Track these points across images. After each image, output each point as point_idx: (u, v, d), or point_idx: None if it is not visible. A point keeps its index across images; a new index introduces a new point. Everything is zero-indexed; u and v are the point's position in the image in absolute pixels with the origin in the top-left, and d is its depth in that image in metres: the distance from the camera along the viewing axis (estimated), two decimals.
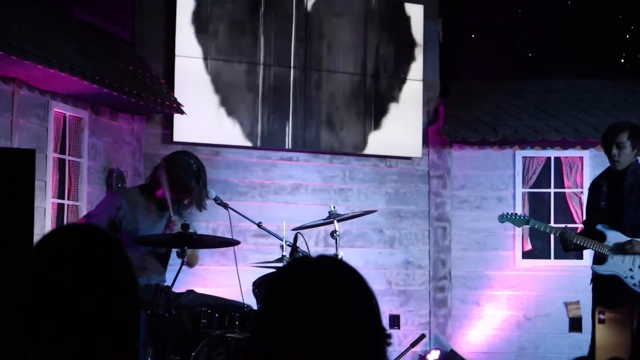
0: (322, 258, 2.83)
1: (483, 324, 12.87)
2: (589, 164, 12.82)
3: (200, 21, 11.44)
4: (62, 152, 9.99)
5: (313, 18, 12.14)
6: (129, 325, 2.66)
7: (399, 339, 11.89)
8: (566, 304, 12.20)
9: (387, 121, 12.53)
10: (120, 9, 11.14)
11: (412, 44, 12.75)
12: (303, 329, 2.64)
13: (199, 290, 8.14)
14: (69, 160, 10.07)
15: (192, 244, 7.48)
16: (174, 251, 7.87)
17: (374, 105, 12.48)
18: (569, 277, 12.47)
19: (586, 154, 12.87)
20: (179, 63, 11.33)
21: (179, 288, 7.84)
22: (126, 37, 11.23)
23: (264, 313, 2.78)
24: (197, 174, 7.83)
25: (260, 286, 7.69)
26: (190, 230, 7.43)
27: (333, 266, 2.79)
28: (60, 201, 9.94)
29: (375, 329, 2.73)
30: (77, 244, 2.66)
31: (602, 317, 8.55)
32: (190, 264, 8.00)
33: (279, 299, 2.73)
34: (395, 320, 12.45)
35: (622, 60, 13.61)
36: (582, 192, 12.76)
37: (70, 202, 10.08)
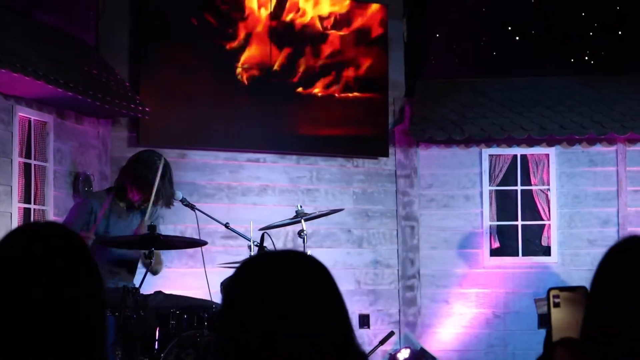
0: (284, 251, 2.83)
1: (452, 322, 12.94)
2: (555, 161, 12.93)
3: (165, 23, 11.42)
4: (28, 156, 9.94)
5: (282, 21, 12.15)
6: (96, 326, 2.63)
7: (369, 338, 11.92)
8: (535, 301, 12.26)
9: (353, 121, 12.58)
10: (83, 11, 11.10)
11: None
12: (268, 322, 2.63)
13: (168, 291, 8.14)
14: (34, 165, 10.03)
15: (159, 245, 7.49)
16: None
17: (339, 105, 12.51)
18: (537, 273, 12.59)
19: (552, 151, 12.95)
20: (144, 66, 11.31)
21: (148, 290, 7.85)
22: (90, 39, 11.19)
23: (227, 307, 2.76)
24: (162, 170, 7.83)
25: (226, 287, 7.70)
26: (157, 232, 7.45)
27: (298, 259, 2.79)
28: (27, 206, 9.90)
29: (343, 320, 2.73)
30: (41, 242, 2.64)
31: (557, 300, 8.58)
32: (154, 271, 7.99)
33: (242, 291, 2.72)
34: (364, 320, 12.48)
35: (586, 58, 13.70)
36: (548, 189, 12.87)
37: (37, 207, 10.04)
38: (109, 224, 7.90)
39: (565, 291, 9.43)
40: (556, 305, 9.61)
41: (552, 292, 9.70)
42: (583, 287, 8.95)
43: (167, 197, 7.94)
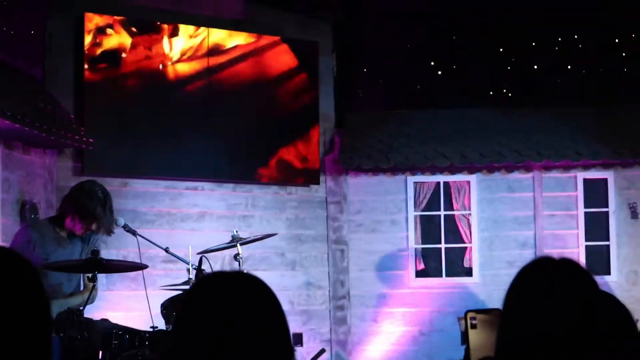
0: (235, 272, 2.87)
1: (381, 339, 12.98)
2: (476, 187, 13.04)
3: (108, 58, 11.40)
4: None
5: (217, 57, 12.18)
6: (42, 347, 2.63)
7: (302, 357, 11.91)
8: (458, 319, 12.35)
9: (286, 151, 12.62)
10: (30, 47, 11.07)
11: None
12: (218, 335, 2.66)
13: (111, 314, 8.12)
14: None
15: (101, 269, 7.48)
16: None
17: (273, 137, 12.55)
18: (459, 293, 12.69)
19: (473, 178, 13.07)
20: (88, 99, 11.28)
21: (92, 313, 7.83)
22: (37, 74, 11.15)
23: (181, 321, 2.79)
24: (102, 200, 7.84)
25: (167, 307, 7.73)
26: (100, 256, 7.44)
27: (244, 280, 2.83)
28: None
29: (285, 337, 2.77)
30: None
31: (473, 322, 8.76)
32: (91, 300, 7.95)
33: (192, 312, 2.75)
34: (298, 339, 12.47)
35: (504, 90, 13.87)
36: (469, 214, 12.97)
37: None
38: (49, 252, 7.86)
39: (481, 313, 9.59)
40: (473, 326, 9.79)
41: (469, 314, 9.88)
42: (497, 309, 9.13)
43: (107, 226, 7.94)
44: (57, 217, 8.18)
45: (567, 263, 3.05)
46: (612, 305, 3.38)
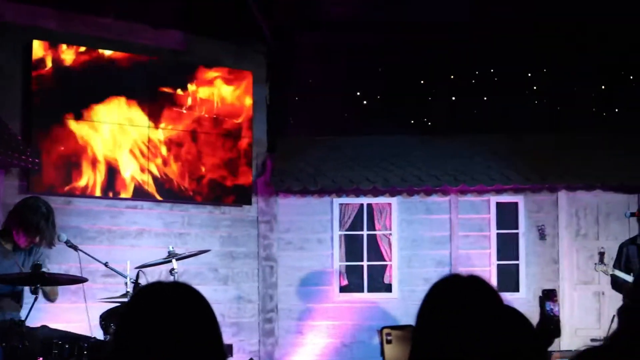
0: (173, 282, 2.93)
1: (306, 350, 13.02)
2: (397, 209, 13.13)
3: (56, 81, 11.36)
4: None
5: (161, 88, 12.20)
6: None
7: None
8: (378, 332, 12.45)
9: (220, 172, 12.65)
10: None
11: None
12: (154, 345, 2.70)
13: (53, 325, 8.10)
14: None
15: (44, 282, 7.48)
16: (27, 289, 7.84)
17: (208, 158, 12.57)
18: (380, 308, 12.76)
19: (394, 201, 13.16)
20: (35, 121, 11.23)
21: (34, 323, 7.80)
22: None
23: (119, 330, 2.83)
24: (45, 214, 7.86)
25: (106, 318, 7.75)
26: (43, 269, 7.45)
27: (183, 288, 2.89)
28: None
29: (219, 342, 2.83)
30: None
31: (389, 337, 8.87)
32: (50, 299, 7.99)
33: (132, 317, 2.80)
34: (228, 350, 12.46)
35: (425, 119, 13.99)
36: (390, 234, 13.04)
37: None
38: None
39: (396, 329, 9.77)
40: (388, 341, 9.97)
41: (385, 331, 10.06)
42: (411, 326, 9.24)
43: (50, 239, 7.95)
44: (1, 231, 8.16)
45: (474, 280, 3.13)
46: (516, 318, 3.43)
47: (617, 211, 12.74)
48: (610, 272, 10.19)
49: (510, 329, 3.09)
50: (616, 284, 10.28)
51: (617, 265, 10.26)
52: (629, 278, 9.89)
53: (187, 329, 2.72)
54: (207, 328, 2.78)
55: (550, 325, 10.61)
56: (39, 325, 7.91)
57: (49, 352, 7.39)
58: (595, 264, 10.50)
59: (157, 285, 2.90)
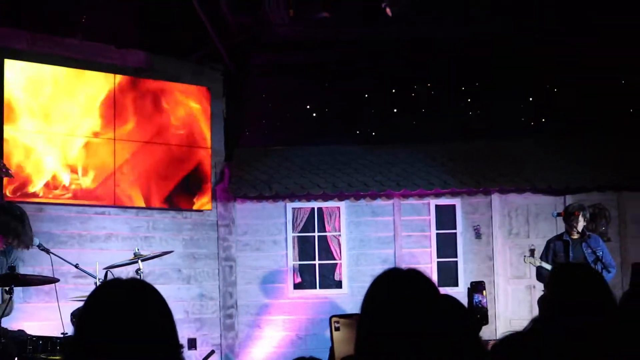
0: (129, 279, 2.87)
1: (264, 343, 12.97)
2: (345, 212, 13.13)
3: (29, 94, 11.22)
4: None
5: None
6: None
7: (196, 358, 11.85)
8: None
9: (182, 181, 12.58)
10: None
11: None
12: (106, 342, 2.63)
13: (27, 324, 7.97)
14: None
15: (17, 282, 7.34)
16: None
17: (172, 167, 12.49)
18: (331, 303, 12.74)
19: (342, 204, 13.16)
20: (8, 133, 11.08)
21: (11, 323, 7.67)
22: None
23: (79, 325, 2.77)
24: (20, 217, 7.73)
25: (77, 316, 7.60)
26: (17, 272, 7.31)
27: (138, 282, 2.84)
28: None
29: (172, 338, 2.76)
30: None
31: (337, 325, 8.78)
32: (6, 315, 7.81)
33: (91, 310, 2.74)
34: (192, 343, 12.40)
35: (369, 130, 14.00)
36: (340, 235, 13.03)
37: None
38: None
39: (344, 318, 9.61)
40: (337, 329, 9.80)
41: (334, 319, 9.87)
42: (358, 314, 9.09)
43: (26, 240, 7.81)
44: None
45: (412, 272, 3.11)
46: (452, 304, 3.44)
47: (545, 212, 12.83)
48: (537, 264, 10.31)
49: (447, 313, 3.12)
50: (540, 275, 10.41)
51: (544, 258, 10.41)
52: None
53: (142, 318, 2.71)
54: (161, 318, 2.76)
55: (478, 314, 10.65)
56: (17, 327, 7.77)
57: (24, 349, 7.27)
58: (525, 256, 10.63)
59: (114, 281, 2.89)
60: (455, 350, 3.06)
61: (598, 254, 10.19)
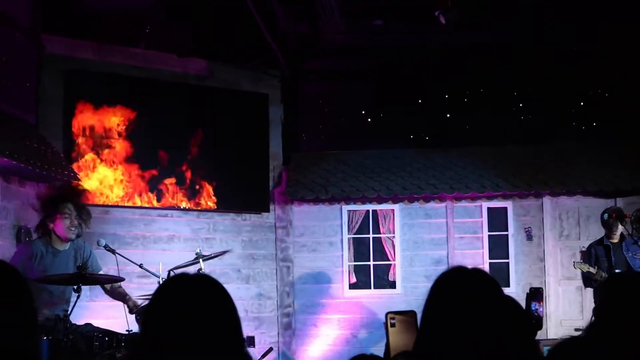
0: (195, 274, 2.90)
1: (320, 341, 12.99)
2: (399, 214, 13.10)
3: (93, 106, 11.38)
4: None
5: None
6: (29, 347, 2.59)
7: (255, 356, 11.83)
8: (384, 324, 12.37)
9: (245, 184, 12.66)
10: (25, 97, 10.99)
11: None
12: (173, 336, 2.66)
13: (94, 321, 8.08)
14: None
15: (85, 281, 7.44)
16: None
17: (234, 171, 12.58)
18: (385, 302, 12.68)
19: (397, 207, 13.13)
20: (77, 141, 11.25)
21: (77, 320, 7.78)
22: (31, 120, 11.08)
23: (146, 319, 2.80)
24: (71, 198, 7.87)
25: (142, 314, 7.70)
26: (89, 271, 7.44)
27: (204, 278, 2.86)
28: None
29: (237, 333, 2.79)
30: None
31: (393, 321, 8.81)
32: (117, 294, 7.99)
33: (158, 304, 2.78)
34: (251, 341, 12.44)
35: (422, 134, 13.95)
36: (394, 236, 13.00)
37: None
38: (47, 264, 7.82)
39: (400, 314, 9.67)
40: (392, 325, 9.85)
41: (389, 315, 9.96)
42: (413, 311, 9.22)
43: (86, 217, 7.93)
44: (44, 235, 8.09)
45: (477, 272, 3.10)
46: (516, 307, 3.40)
47: (596, 214, 12.63)
48: (586, 270, 10.14)
49: (511, 315, 3.10)
50: (588, 280, 10.30)
51: (587, 264, 10.28)
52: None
53: (207, 312, 2.71)
54: (226, 312, 2.77)
55: (533, 320, 10.59)
56: (83, 322, 7.89)
57: (91, 345, 7.37)
58: (574, 262, 10.49)
59: (181, 276, 2.89)
60: (515, 351, 3.03)
61: (637, 257, 10.11)
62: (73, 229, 7.92)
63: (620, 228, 10.31)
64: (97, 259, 8.28)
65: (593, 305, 10.39)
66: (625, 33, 12.61)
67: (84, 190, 8.10)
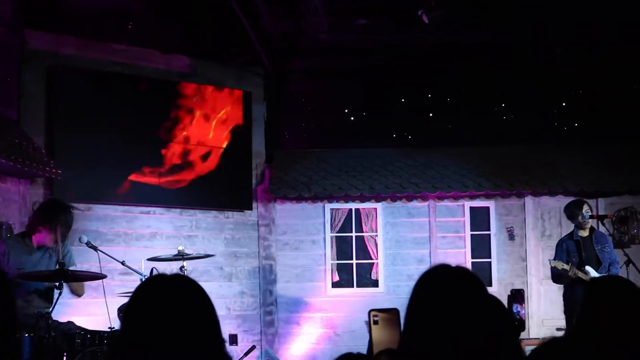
0: (172, 275, 2.84)
1: (303, 339, 12.96)
2: (382, 213, 13.09)
3: (73, 101, 11.25)
4: None
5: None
6: (9, 345, 2.58)
7: (237, 354, 11.79)
8: (366, 322, 12.33)
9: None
10: (6, 92, 10.87)
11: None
12: (151, 336, 2.61)
13: (76, 318, 7.97)
14: None
15: (67, 278, 7.32)
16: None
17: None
18: (367, 301, 12.65)
19: (379, 206, 13.11)
20: (57, 137, 11.13)
21: (60, 317, 7.67)
22: (13, 115, 10.96)
23: (125, 318, 2.76)
24: (67, 209, 7.75)
25: (123, 311, 7.57)
26: (68, 267, 7.32)
27: (180, 278, 2.83)
28: None
29: (216, 334, 2.74)
30: None
31: (376, 319, 8.76)
32: (78, 294, 7.84)
33: (137, 304, 2.72)
34: (233, 339, 12.39)
35: (405, 133, 13.90)
36: (376, 235, 12.99)
37: None
38: (22, 261, 7.67)
39: (382, 312, 9.56)
40: (375, 322, 9.77)
41: (372, 313, 9.85)
42: (395, 309, 9.13)
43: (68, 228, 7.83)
44: (27, 232, 7.96)
45: (461, 270, 3.04)
46: (499, 306, 3.36)
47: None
48: (561, 267, 9.93)
49: (495, 314, 3.01)
50: (560, 277, 10.08)
51: (558, 259, 10.12)
52: (593, 273, 9.80)
53: (186, 312, 2.68)
54: (204, 312, 2.74)
55: (516, 322, 10.56)
56: (65, 320, 7.77)
57: (72, 342, 7.27)
58: (549, 259, 10.28)
59: (159, 277, 2.88)
60: (499, 350, 2.97)
61: (606, 250, 10.06)
62: (53, 244, 7.78)
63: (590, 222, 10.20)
64: (74, 256, 8.12)
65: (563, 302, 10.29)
66: (608, 35, 12.59)
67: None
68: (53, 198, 8.06)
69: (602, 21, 12.15)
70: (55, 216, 7.67)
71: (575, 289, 9.76)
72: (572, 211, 10.24)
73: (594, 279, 8.52)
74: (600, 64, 13.21)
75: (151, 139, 11.90)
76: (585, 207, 10.13)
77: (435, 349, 2.84)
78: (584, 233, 10.15)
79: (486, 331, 2.88)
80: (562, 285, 11.76)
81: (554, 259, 10.17)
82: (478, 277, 3.05)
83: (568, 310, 10.00)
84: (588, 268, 9.84)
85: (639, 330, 3.47)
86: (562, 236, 10.79)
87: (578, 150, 13.31)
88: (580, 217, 10.10)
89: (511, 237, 12.99)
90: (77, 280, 7.75)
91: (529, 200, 13.02)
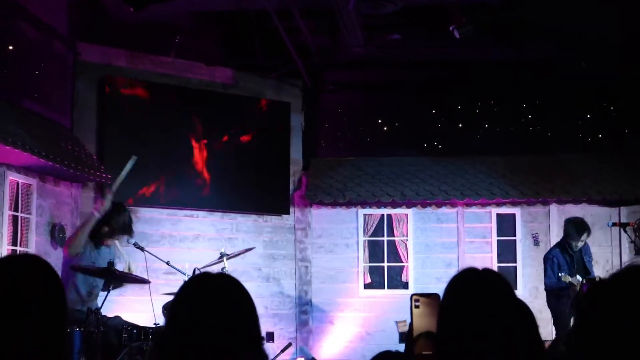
0: (216, 273, 2.86)
1: (336, 338, 12.94)
2: (412, 218, 13.06)
3: (123, 110, 11.36)
4: (16, 210, 9.79)
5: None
6: (61, 337, 2.55)
7: (274, 351, 11.82)
8: (396, 322, 12.31)
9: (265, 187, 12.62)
10: (61, 101, 11.03)
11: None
12: (195, 331, 2.62)
13: (123, 314, 8.03)
14: (21, 217, 9.88)
15: (112, 278, 7.39)
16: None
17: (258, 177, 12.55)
18: (398, 302, 12.60)
19: (410, 212, 13.08)
20: (107, 144, 11.24)
21: (108, 313, 7.74)
22: (66, 123, 11.12)
23: (170, 315, 2.77)
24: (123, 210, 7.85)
25: (168, 308, 7.62)
26: (114, 268, 7.39)
27: (224, 278, 2.83)
28: (14, 248, 9.73)
29: (255, 330, 2.74)
30: (20, 268, 2.57)
31: (417, 303, 8.70)
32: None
33: (182, 302, 2.74)
34: (270, 336, 12.43)
35: (435, 143, 13.88)
36: (407, 240, 12.96)
37: (22, 249, 9.87)
38: (91, 257, 7.76)
39: (424, 296, 9.42)
40: (417, 306, 9.66)
41: (414, 297, 9.72)
42: (436, 294, 8.98)
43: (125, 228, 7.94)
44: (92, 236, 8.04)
45: (488, 272, 3.04)
46: (526, 309, 3.34)
47: (601, 221, 12.55)
48: (568, 280, 9.77)
49: (523, 318, 2.97)
50: (560, 289, 9.91)
51: (549, 271, 9.92)
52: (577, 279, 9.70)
53: (227, 309, 2.66)
54: (245, 309, 2.71)
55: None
56: (113, 315, 7.84)
57: (120, 337, 7.33)
58: (560, 274, 9.98)
59: (203, 275, 2.86)
60: (525, 352, 2.97)
61: (591, 260, 10.02)
62: (111, 243, 7.91)
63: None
64: (124, 254, 8.21)
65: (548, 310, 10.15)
66: (629, 50, 12.49)
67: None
68: (115, 201, 8.10)
69: (626, 38, 12.06)
70: (111, 217, 7.79)
71: (561, 299, 9.76)
72: (569, 231, 10.03)
73: (594, 283, 8.43)
74: (623, 78, 13.11)
75: (192, 146, 11.96)
76: (584, 236, 9.96)
77: (467, 347, 2.85)
78: (579, 245, 10.01)
79: (516, 331, 2.85)
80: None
81: (545, 273, 10.03)
82: (506, 280, 3.03)
83: (556, 318, 9.95)
84: (579, 277, 9.78)
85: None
86: (550, 249, 10.53)
87: (601, 160, 13.21)
88: (573, 244, 9.96)
89: (536, 242, 12.92)
90: (122, 281, 7.82)
91: (553, 208, 12.93)
